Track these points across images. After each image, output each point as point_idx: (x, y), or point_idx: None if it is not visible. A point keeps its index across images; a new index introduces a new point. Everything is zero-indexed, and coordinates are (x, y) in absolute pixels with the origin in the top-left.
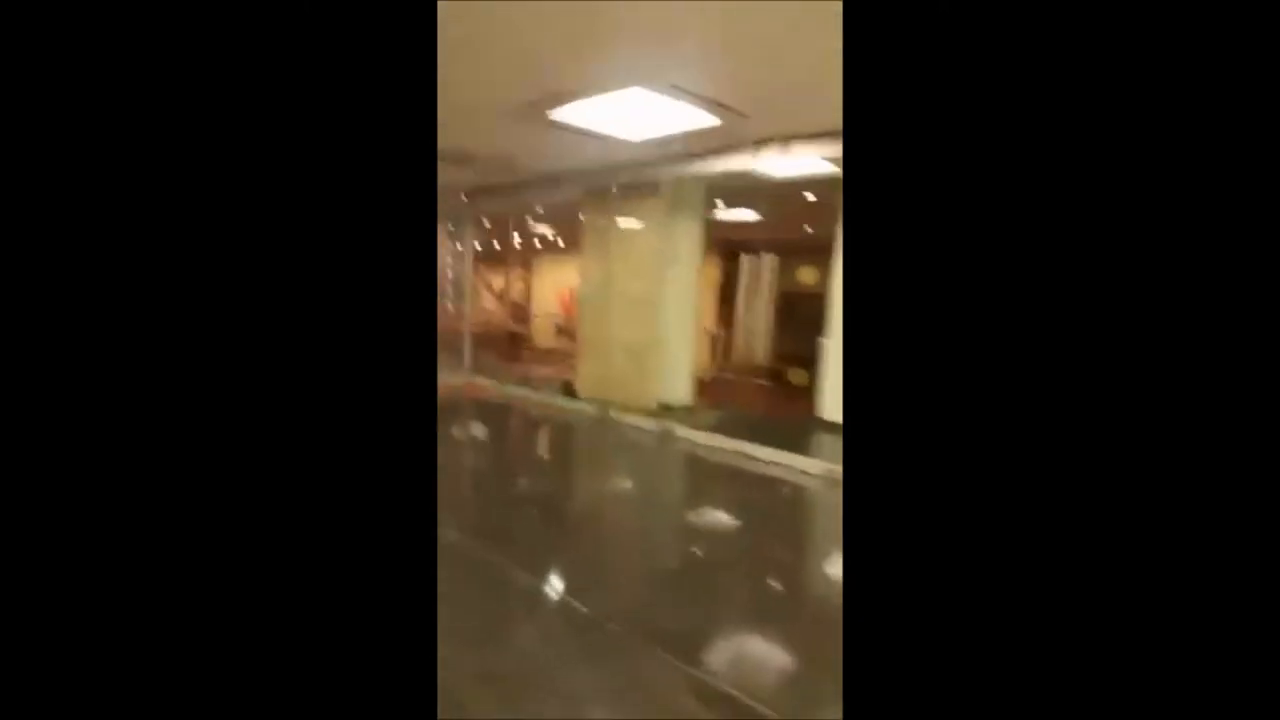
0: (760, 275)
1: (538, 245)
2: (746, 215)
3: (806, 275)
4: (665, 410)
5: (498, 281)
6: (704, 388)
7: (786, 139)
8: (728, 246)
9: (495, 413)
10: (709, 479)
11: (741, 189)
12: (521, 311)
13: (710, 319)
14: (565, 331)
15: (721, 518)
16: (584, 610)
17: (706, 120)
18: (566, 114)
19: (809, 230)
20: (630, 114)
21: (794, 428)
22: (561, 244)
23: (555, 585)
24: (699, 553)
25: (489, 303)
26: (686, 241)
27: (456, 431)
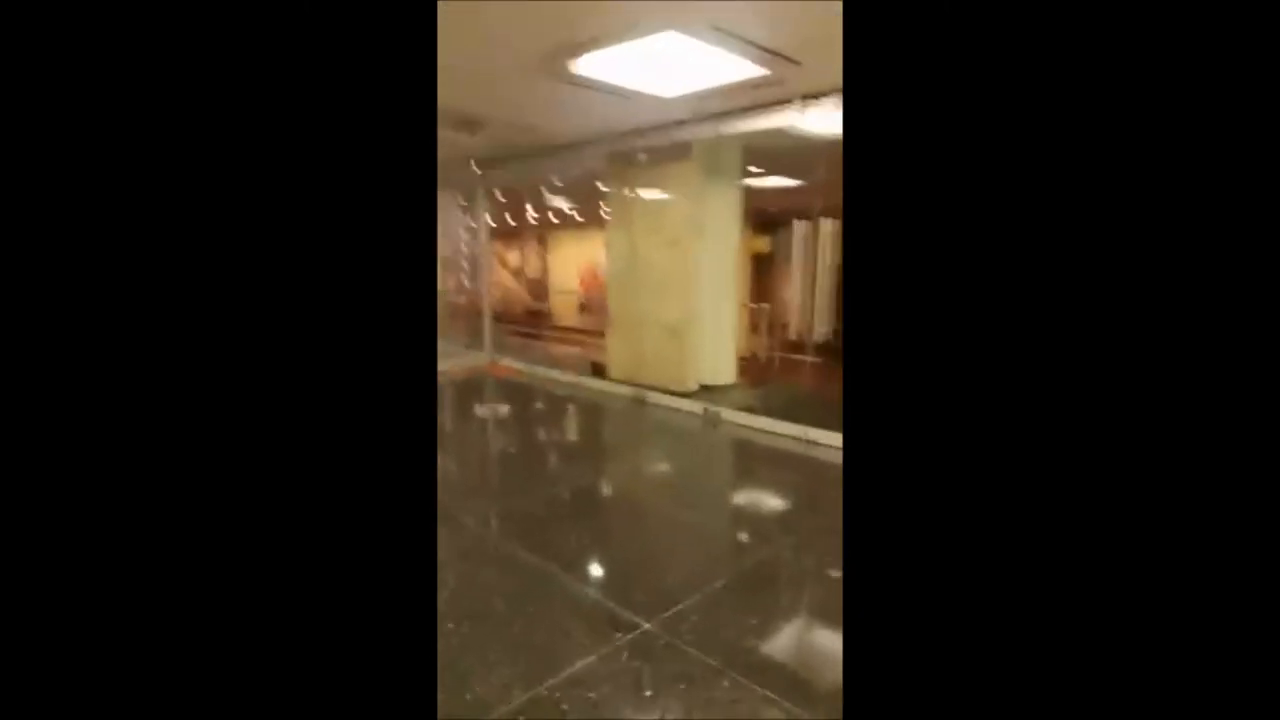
0: (817, 243)
1: (554, 220)
2: (789, 180)
3: None
4: (706, 391)
5: (512, 258)
6: (747, 366)
7: (841, 91)
8: (772, 215)
9: (521, 393)
10: (760, 463)
11: (788, 149)
12: (539, 289)
13: (753, 293)
14: (588, 309)
15: (776, 503)
16: (643, 624)
17: (751, 70)
18: (589, 66)
19: None
20: (662, 66)
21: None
22: (579, 218)
23: (601, 589)
24: (759, 546)
25: (505, 280)
26: (723, 208)
27: (482, 411)
